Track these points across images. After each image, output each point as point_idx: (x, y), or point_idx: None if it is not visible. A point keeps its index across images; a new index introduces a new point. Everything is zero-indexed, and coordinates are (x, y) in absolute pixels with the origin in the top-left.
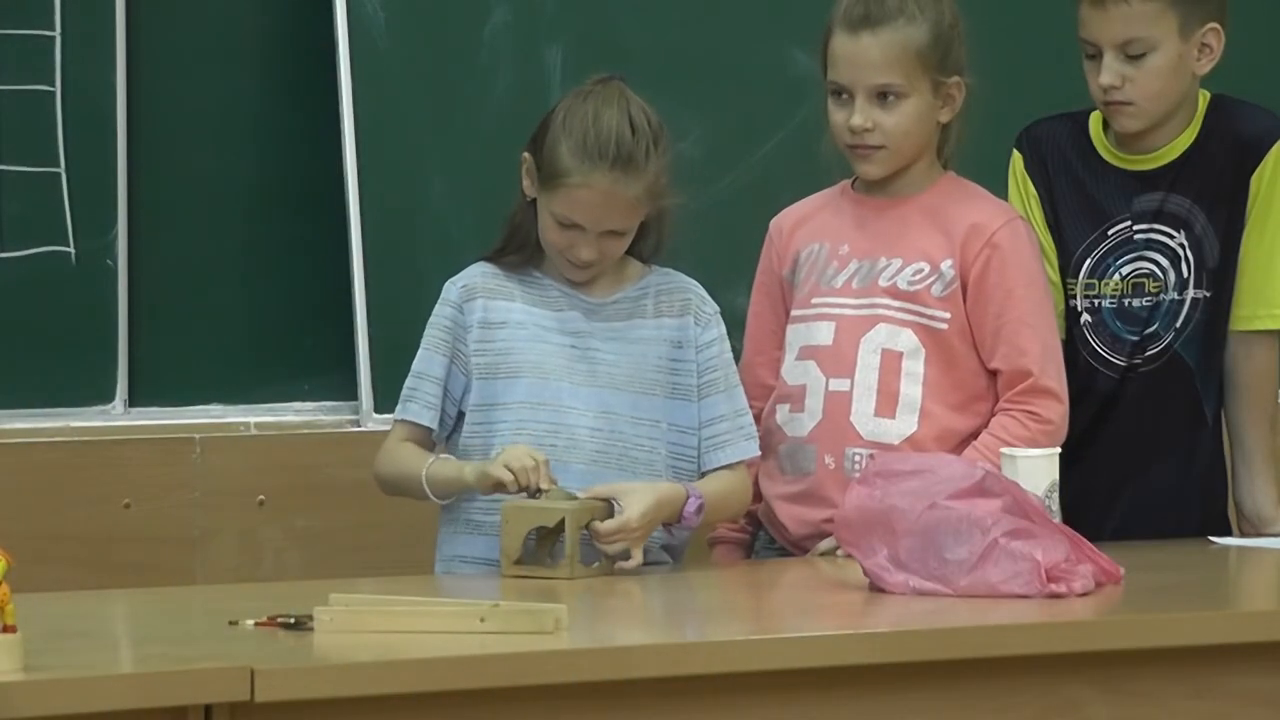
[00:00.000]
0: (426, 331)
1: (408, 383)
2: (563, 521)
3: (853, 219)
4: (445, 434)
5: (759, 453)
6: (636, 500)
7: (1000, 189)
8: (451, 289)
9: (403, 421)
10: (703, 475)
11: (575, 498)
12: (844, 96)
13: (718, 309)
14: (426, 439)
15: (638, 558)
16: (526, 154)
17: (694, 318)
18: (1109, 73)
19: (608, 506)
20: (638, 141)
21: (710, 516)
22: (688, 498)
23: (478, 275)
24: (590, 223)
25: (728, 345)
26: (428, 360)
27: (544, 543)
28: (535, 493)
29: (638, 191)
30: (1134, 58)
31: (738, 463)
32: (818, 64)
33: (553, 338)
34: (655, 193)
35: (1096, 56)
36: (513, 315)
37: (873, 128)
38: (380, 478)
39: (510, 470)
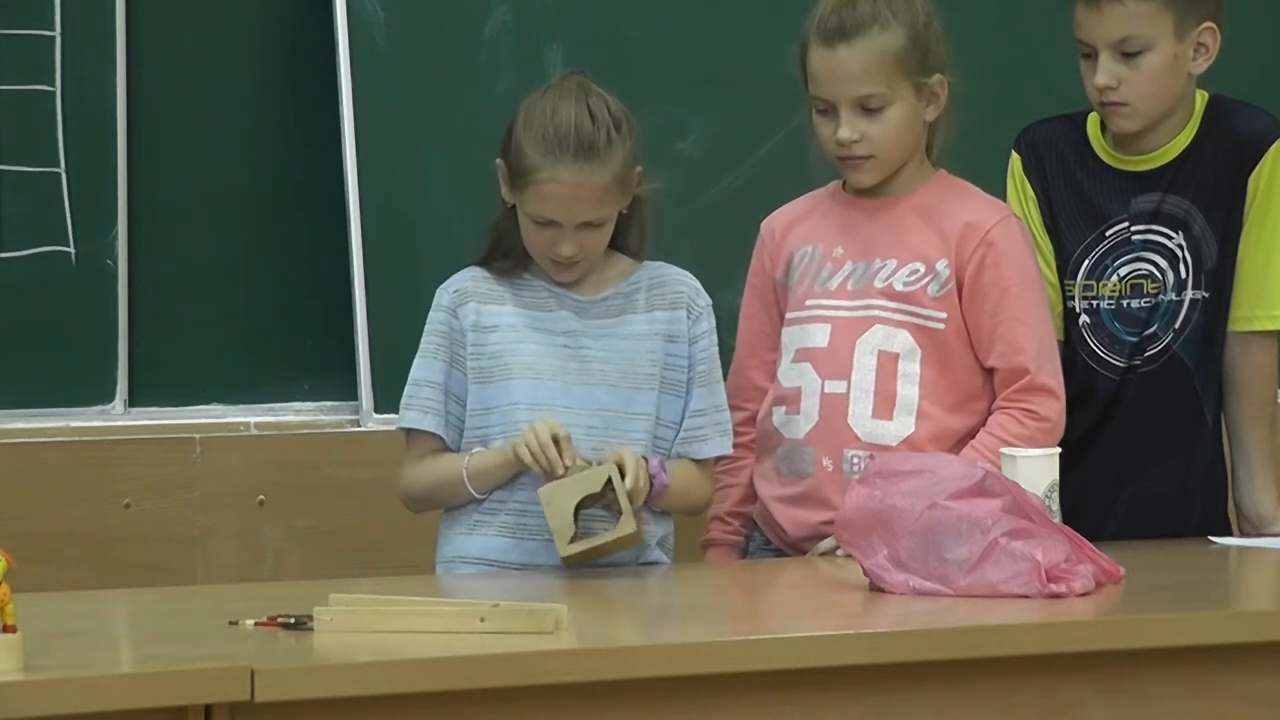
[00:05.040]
0: (423, 339)
1: (407, 390)
2: (606, 485)
3: (846, 221)
4: (457, 437)
5: (731, 450)
6: (630, 459)
7: (999, 189)
8: (444, 294)
9: (414, 434)
10: None
11: (590, 464)
12: (828, 109)
13: (710, 302)
14: (442, 447)
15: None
16: (499, 161)
17: (687, 311)
18: (1104, 73)
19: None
20: (598, 129)
21: (670, 501)
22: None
23: (468, 280)
24: (564, 217)
25: (715, 339)
26: (427, 367)
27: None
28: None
29: (605, 179)
30: (1129, 57)
31: (705, 459)
32: (798, 78)
33: (545, 338)
34: (625, 180)
35: (1092, 57)
36: (504, 318)
37: (860, 138)
38: (411, 496)
39: (529, 451)
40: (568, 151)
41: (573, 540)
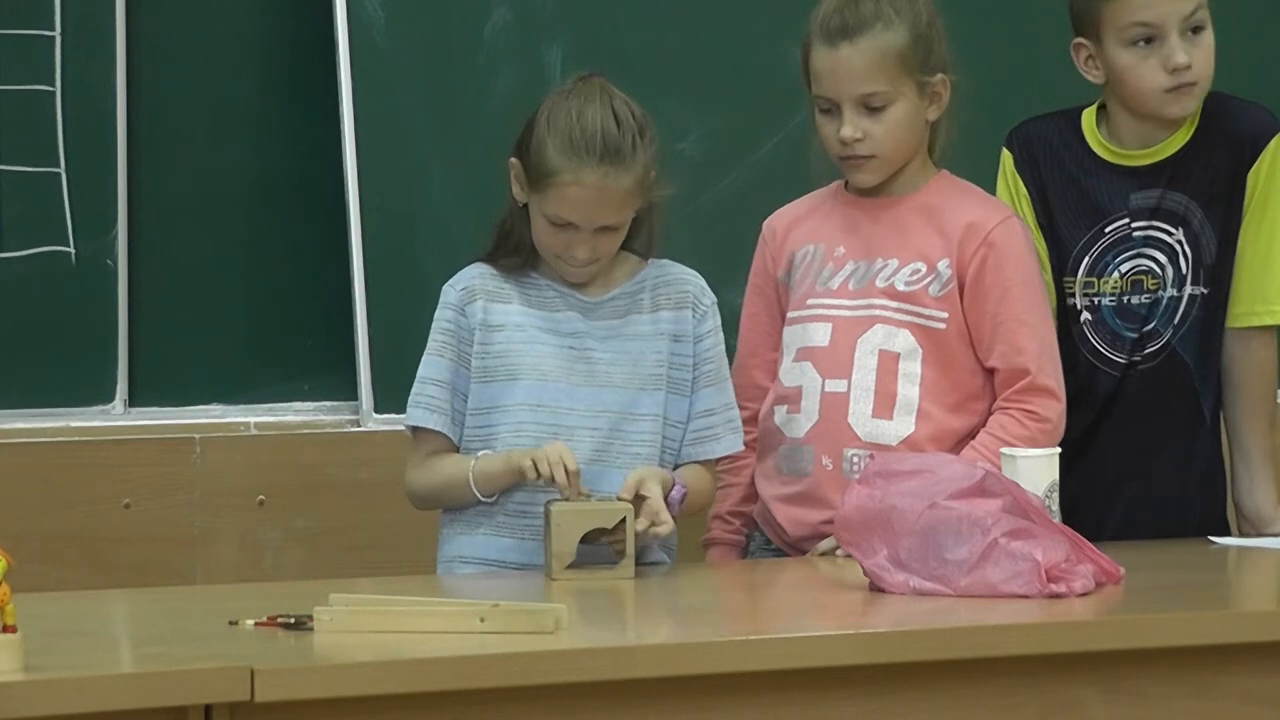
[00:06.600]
0: (431, 336)
1: (414, 388)
2: (618, 523)
3: (848, 220)
4: (460, 434)
5: (742, 447)
6: (653, 485)
7: (996, 188)
8: (451, 292)
9: (419, 431)
10: (675, 467)
11: (590, 494)
12: (830, 109)
13: (715, 300)
14: (449, 446)
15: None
16: (514, 160)
17: (692, 310)
18: (1181, 53)
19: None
20: (623, 134)
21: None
22: (674, 484)
23: (475, 277)
24: (584, 220)
25: (721, 337)
26: (434, 365)
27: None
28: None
29: (628, 184)
30: (1198, 32)
31: (711, 459)
32: (801, 78)
33: (550, 339)
34: (645, 185)
35: (1155, 40)
36: (510, 318)
37: (863, 137)
38: (417, 495)
39: (533, 459)
40: (594, 155)
41: (569, 566)
